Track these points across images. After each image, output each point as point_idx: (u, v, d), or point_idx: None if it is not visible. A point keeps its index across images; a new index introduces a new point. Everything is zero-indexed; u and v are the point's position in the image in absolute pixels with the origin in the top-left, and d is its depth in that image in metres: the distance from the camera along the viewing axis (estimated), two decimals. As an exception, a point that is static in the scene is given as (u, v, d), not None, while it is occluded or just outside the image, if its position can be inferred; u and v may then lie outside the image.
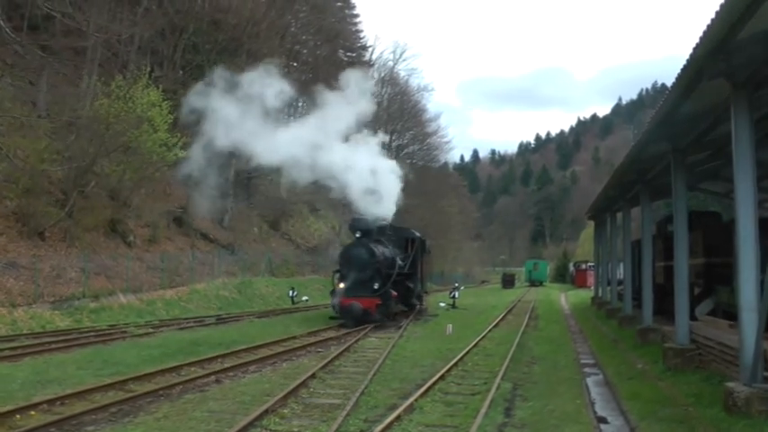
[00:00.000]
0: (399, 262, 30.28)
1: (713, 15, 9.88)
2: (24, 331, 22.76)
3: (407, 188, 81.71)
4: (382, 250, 29.13)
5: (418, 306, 35.05)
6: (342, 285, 27.61)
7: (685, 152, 17.34)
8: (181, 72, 48.06)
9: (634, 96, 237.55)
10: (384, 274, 28.20)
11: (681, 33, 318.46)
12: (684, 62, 11.78)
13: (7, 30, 29.13)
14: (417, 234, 34.87)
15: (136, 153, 33.63)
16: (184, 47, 48.11)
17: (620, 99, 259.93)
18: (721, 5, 9.55)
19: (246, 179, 52.50)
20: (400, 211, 70.05)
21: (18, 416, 10.71)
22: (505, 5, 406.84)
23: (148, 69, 35.20)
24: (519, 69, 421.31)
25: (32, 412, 11.01)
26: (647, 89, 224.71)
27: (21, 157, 30.12)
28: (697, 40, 10.80)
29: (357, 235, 29.00)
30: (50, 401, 11.64)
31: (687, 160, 17.87)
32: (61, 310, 26.32)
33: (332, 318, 27.41)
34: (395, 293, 28.61)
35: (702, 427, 10.86)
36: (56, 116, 34.19)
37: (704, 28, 10.35)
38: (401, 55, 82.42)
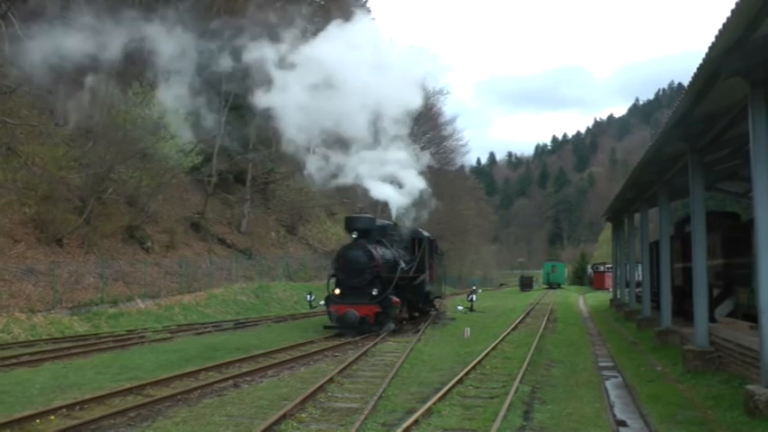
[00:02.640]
0: (402, 265, 27.80)
1: (729, 14, 9.82)
2: (43, 337, 22.90)
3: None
4: (382, 252, 26.93)
5: (432, 312, 34.20)
6: (337, 291, 25.89)
7: (703, 152, 17.25)
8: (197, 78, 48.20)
9: (651, 96, 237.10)
10: (384, 279, 26.01)
11: (699, 28, 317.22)
12: (701, 61, 11.71)
13: (25, 39, 29.29)
14: (425, 234, 32.08)
15: (153, 159, 33.77)
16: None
17: (636, 99, 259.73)
18: (737, 4, 9.49)
19: (264, 184, 52.62)
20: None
21: (38, 420, 10.77)
22: (520, 4, 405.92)
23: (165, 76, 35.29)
24: (535, 68, 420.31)
25: (52, 417, 11.06)
26: (663, 89, 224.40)
27: (39, 164, 30.36)
28: (713, 39, 10.73)
29: (354, 236, 26.66)
30: (70, 406, 11.69)
31: (705, 160, 17.79)
32: (80, 315, 26.44)
33: (326, 327, 25.40)
34: (396, 300, 26.01)
35: (723, 431, 10.78)
36: (73, 124, 34.41)
37: (720, 26, 10.29)
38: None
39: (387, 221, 30.29)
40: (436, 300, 36.27)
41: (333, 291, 26.10)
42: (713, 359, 15.91)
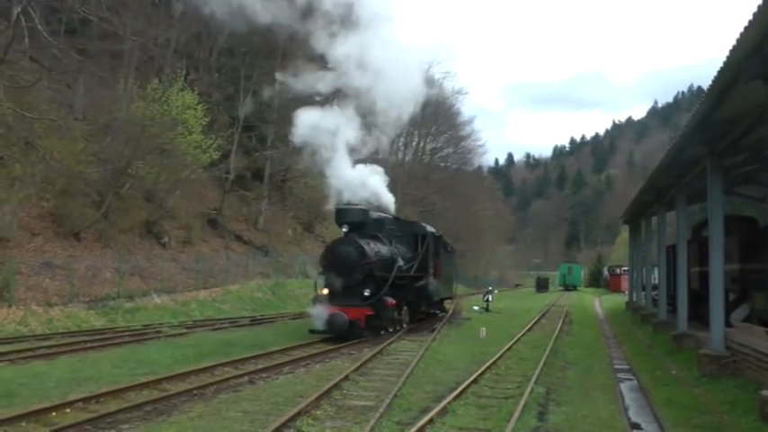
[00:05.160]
0: (400, 263, 25.38)
1: (750, 17, 9.78)
2: (60, 330, 23.07)
3: (441, 191, 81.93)
4: (377, 248, 24.24)
5: (440, 314, 32.48)
6: (325, 291, 23.34)
7: (722, 156, 17.17)
8: (216, 75, 48.44)
9: (670, 99, 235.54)
10: (378, 278, 23.49)
11: (723, 36, 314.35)
12: (721, 64, 11.67)
13: (45, 34, 29.47)
14: (429, 228, 29.55)
15: (171, 155, 33.90)
16: (219, 50, 48.49)
17: (655, 102, 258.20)
18: (759, 7, 9.45)
19: (281, 181, 52.77)
20: (433, 215, 69.53)
21: (54, 413, 10.87)
22: (543, 10, 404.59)
23: (184, 72, 35.45)
24: (558, 74, 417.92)
25: (68, 410, 11.15)
26: (682, 92, 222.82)
27: (57, 159, 30.50)
28: (734, 42, 10.69)
29: (344, 229, 23.83)
30: (86, 400, 11.77)
31: (723, 164, 17.69)
32: (96, 309, 26.59)
33: (312, 331, 22.44)
34: (392, 301, 23.70)
35: (737, 435, 10.75)
36: (92, 119, 34.64)
37: (741, 30, 10.25)
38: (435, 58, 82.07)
39: (385, 214, 27.38)
40: (446, 301, 34.81)
41: (321, 291, 23.68)
42: (728, 364, 15.84)
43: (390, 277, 23.90)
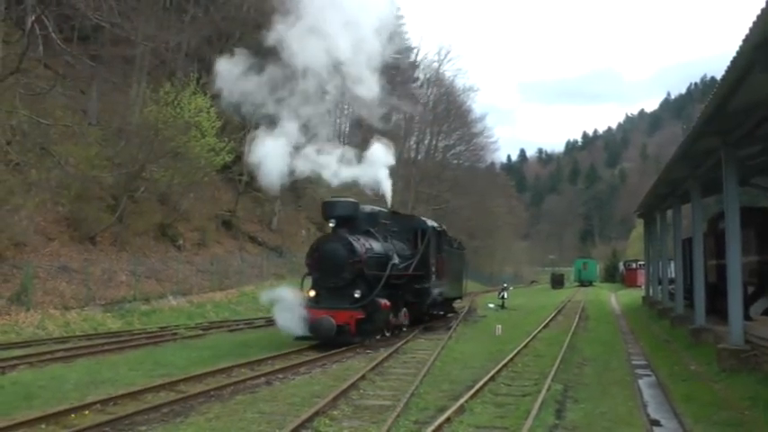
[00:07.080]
0: (396, 260, 23.10)
1: (764, 5, 9.70)
2: (77, 333, 23.12)
3: (454, 189, 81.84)
4: (368, 245, 21.96)
5: (449, 315, 30.83)
6: (312, 293, 21.24)
7: (736, 147, 17.04)
8: (227, 77, 48.48)
9: (683, 91, 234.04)
10: (370, 278, 21.24)
11: (738, 28, 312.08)
12: (734, 54, 11.58)
13: (58, 41, 29.56)
14: (430, 223, 27.27)
15: (184, 158, 34.01)
16: (230, 52, 48.50)
17: (668, 94, 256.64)
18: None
19: (294, 181, 52.80)
20: (446, 212, 69.33)
21: (73, 415, 10.89)
22: (555, 8, 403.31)
23: (196, 76, 35.52)
24: (570, 70, 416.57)
25: (86, 412, 11.17)
26: (695, 83, 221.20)
27: (72, 164, 30.61)
28: (747, 31, 10.61)
29: (331, 224, 21.73)
30: (104, 401, 11.79)
31: (738, 155, 17.55)
32: (113, 312, 26.68)
33: (297, 338, 20.21)
34: (386, 303, 21.54)
35: None
36: (106, 124, 34.78)
37: (754, 18, 10.17)
38: (446, 55, 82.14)
39: (378, 208, 24.93)
40: (456, 301, 33.21)
41: (307, 292, 21.45)
42: (749, 358, 15.69)
43: (384, 276, 21.75)
